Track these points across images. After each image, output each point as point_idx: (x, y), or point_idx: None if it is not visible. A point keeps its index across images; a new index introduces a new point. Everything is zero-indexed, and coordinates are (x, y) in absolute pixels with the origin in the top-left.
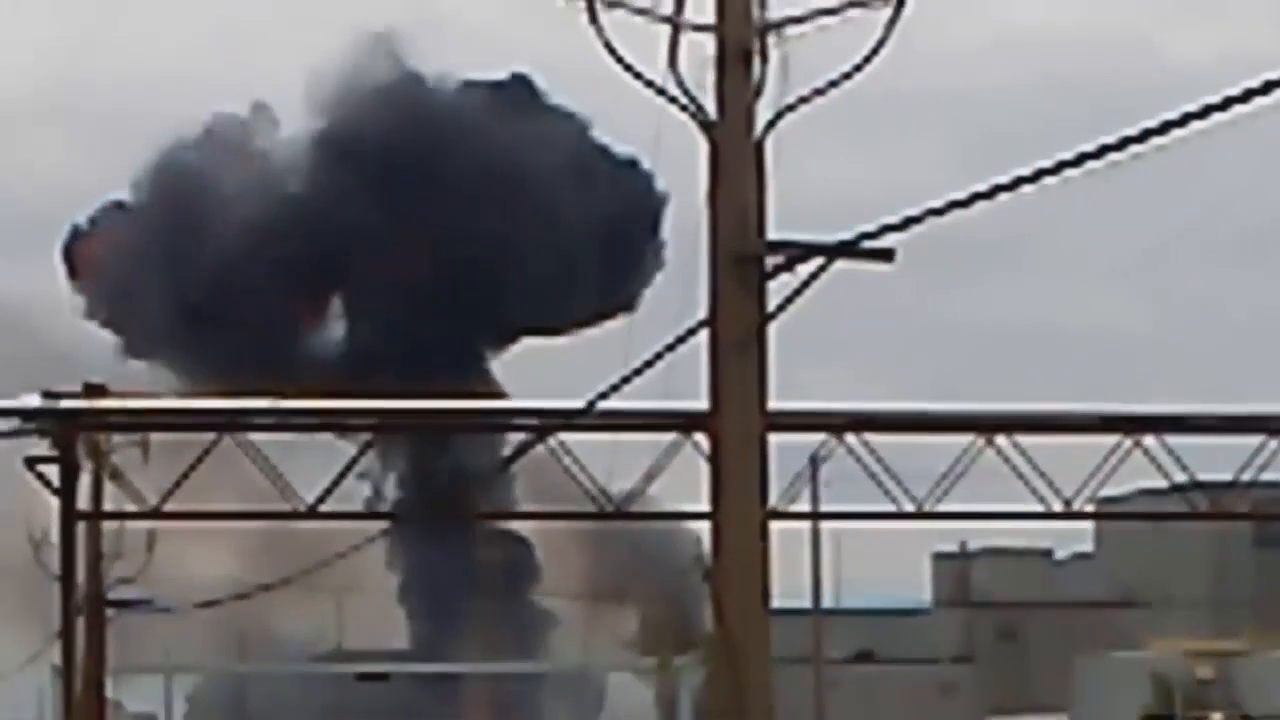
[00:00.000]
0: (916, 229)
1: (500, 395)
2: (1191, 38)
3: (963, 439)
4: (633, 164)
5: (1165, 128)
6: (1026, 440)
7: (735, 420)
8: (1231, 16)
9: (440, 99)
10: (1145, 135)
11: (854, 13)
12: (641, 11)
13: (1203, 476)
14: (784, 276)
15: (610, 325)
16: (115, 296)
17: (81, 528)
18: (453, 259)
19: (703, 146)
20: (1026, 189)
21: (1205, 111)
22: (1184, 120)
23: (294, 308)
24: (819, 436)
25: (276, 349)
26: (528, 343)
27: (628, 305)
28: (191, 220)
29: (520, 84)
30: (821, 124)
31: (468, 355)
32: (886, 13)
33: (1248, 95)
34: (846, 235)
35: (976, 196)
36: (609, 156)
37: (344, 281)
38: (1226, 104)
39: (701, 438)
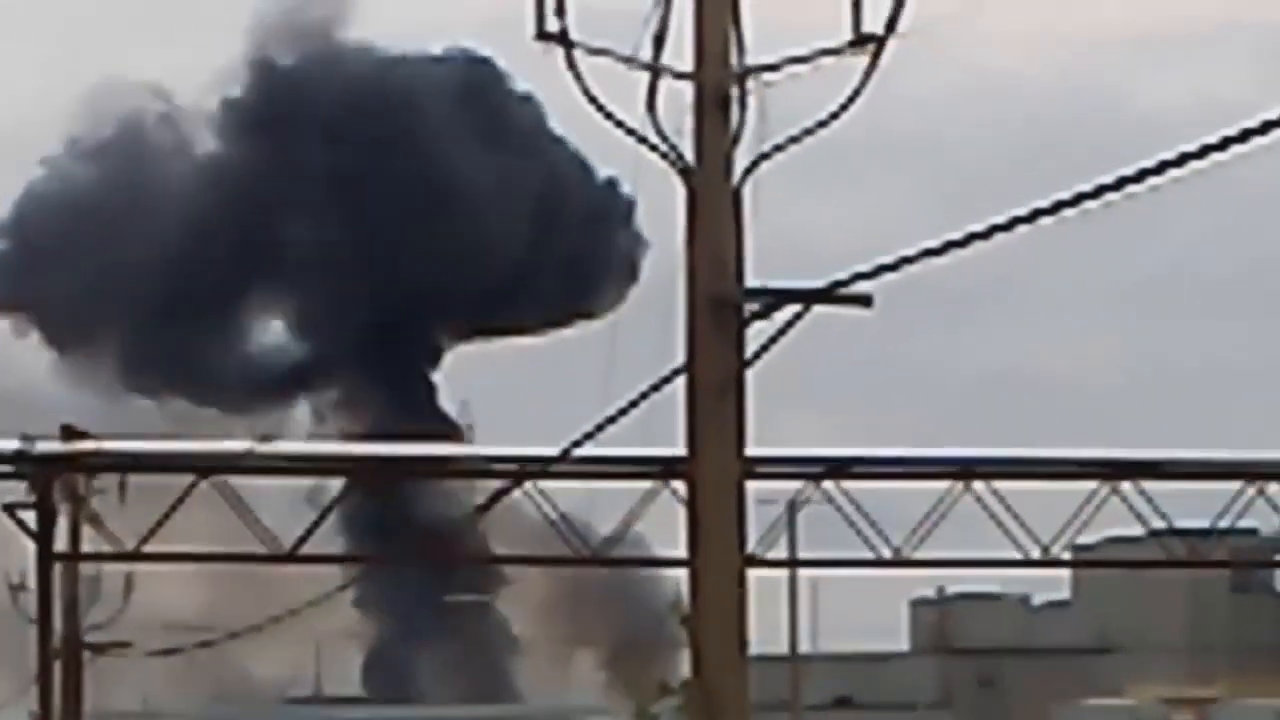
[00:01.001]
0: (893, 275)
1: (435, 406)
2: (1163, 85)
3: (940, 485)
4: (606, 179)
5: (1141, 175)
6: (1004, 486)
7: (713, 466)
8: (1201, 64)
9: (397, 79)
10: (1121, 182)
11: (832, 59)
12: (620, 58)
13: (1179, 523)
14: (762, 322)
15: (570, 333)
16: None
17: (58, 571)
18: (400, 253)
19: (680, 192)
20: (1003, 236)
21: (1181, 159)
22: (1160, 168)
23: (227, 303)
24: (796, 484)
25: (210, 347)
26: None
27: (588, 312)
28: (111, 215)
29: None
30: (799, 169)
31: (416, 353)
32: (864, 60)
33: (1223, 144)
34: (824, 281)
35: (953, 244)
36: (570, 155)
37: (282, 274)
38: (1202, 152)
39: (679, 484)
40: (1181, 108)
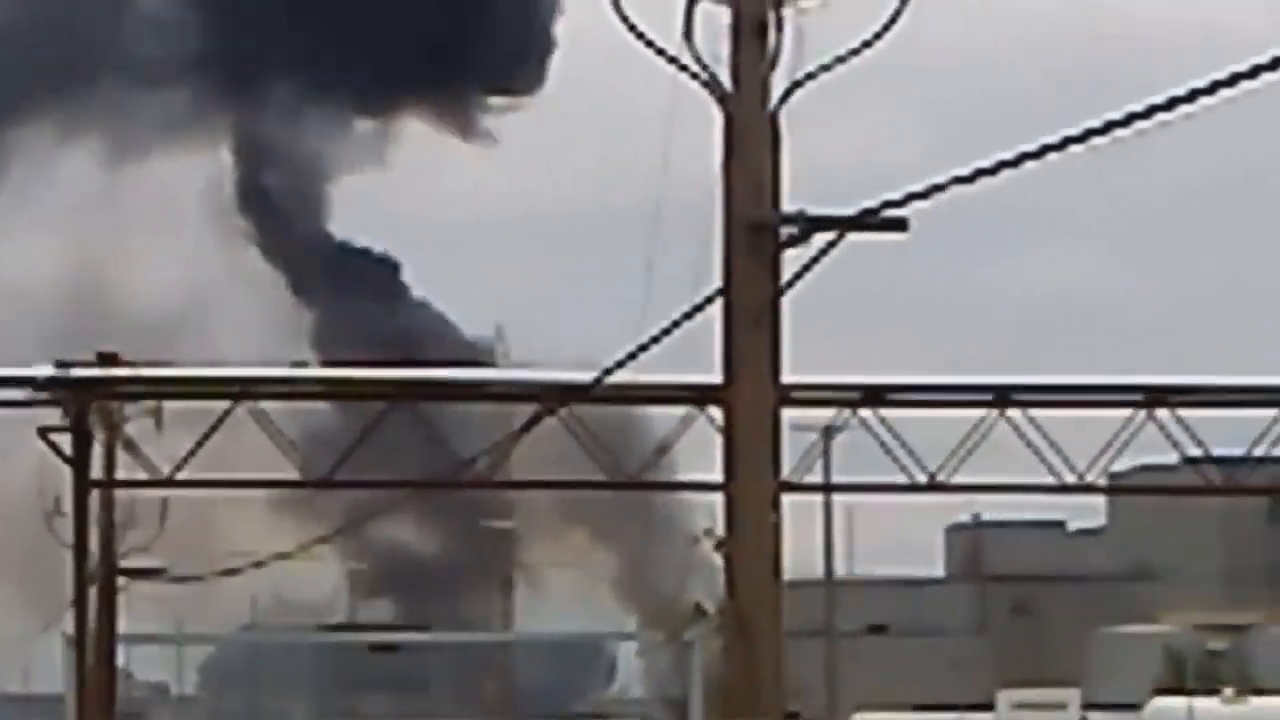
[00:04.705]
0: (926, 202)
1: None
2: (1195, 11)
3: (975, 412)
4: None
5: (1187, 98)
6: (1039, 413)
7: (749, 392)
8: None
9: None
10: (1164, 106)
11: None
12: None
13: (1216, 450)
14: (798, 249)
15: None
16: None
17: (94, 497)
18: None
19: (717, 118)
20: (1037, 161)
21: (1226, 82)
22: (1208, 90)
23: None
24: (832, 411)
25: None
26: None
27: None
28: None
29: None
30: (834, 95)
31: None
32: None
33: (1262, 69)
34: (858, 207)
35: (986, 170)
36: None
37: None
38: (1245, 75)
39: (715, 410)
40: (1226, 31)
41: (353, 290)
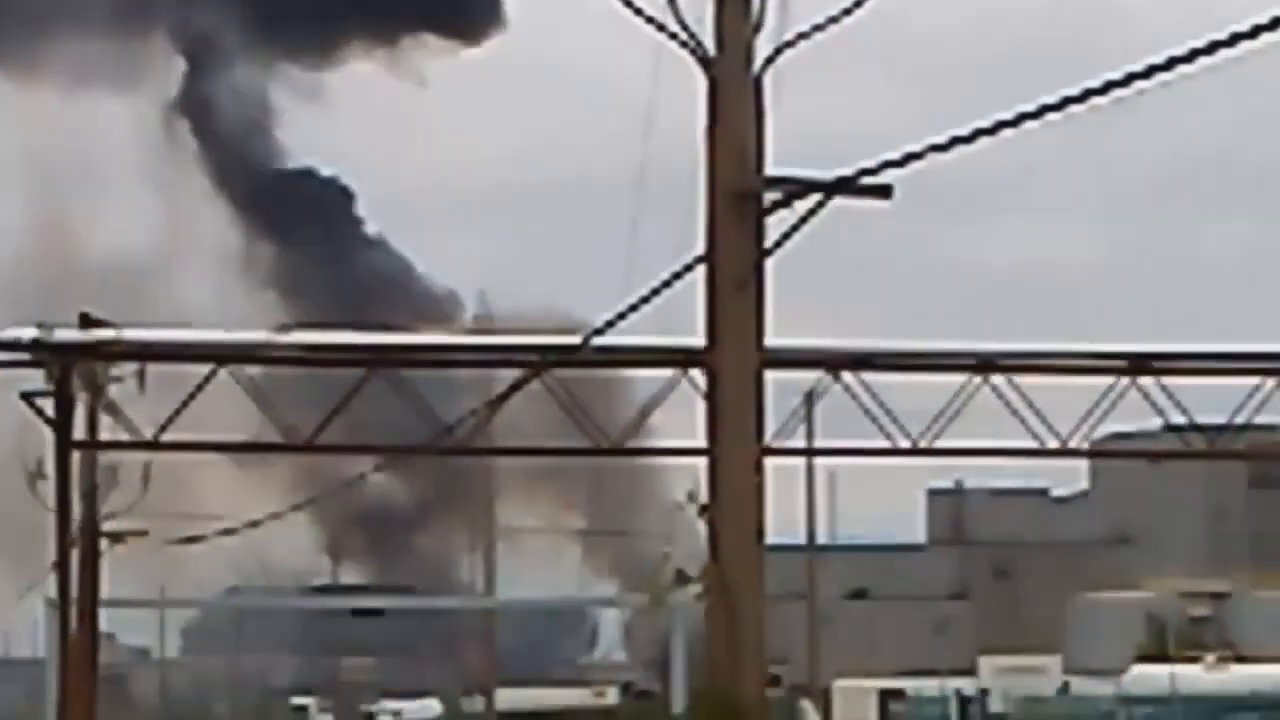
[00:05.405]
0: (914, 166)
1: None
2: None
3: (959, 377)
4: None
5: (1166, 66)
6: (1023, 379)
7: (732, 356)
8: None
9: None
10: (1143, 74)
11: None
12: None
13: (1199, 417)
14: (782, 213)
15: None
16: None
17: (77, 460)
18: None
19: (701, 83)
20: (1027, 127)
21: (1207, 49)
22: (1185, 59)
23: None
24: (815, 374)
25: None
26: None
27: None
28: None
29: None
30: (818, 60)
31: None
32: None
33: (1241, 37)
34: (845, 172)
35: (978, 133)
36: None
37: None
38: (1224, 44)
39: (698, 374)
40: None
41: (308, 219)
